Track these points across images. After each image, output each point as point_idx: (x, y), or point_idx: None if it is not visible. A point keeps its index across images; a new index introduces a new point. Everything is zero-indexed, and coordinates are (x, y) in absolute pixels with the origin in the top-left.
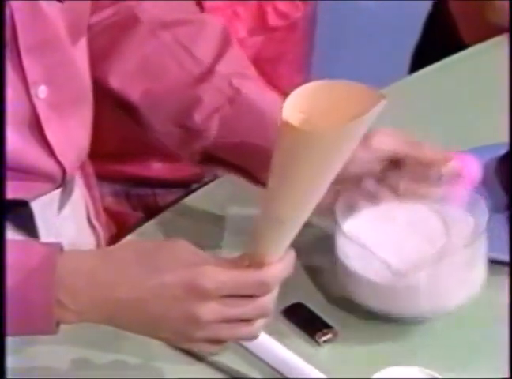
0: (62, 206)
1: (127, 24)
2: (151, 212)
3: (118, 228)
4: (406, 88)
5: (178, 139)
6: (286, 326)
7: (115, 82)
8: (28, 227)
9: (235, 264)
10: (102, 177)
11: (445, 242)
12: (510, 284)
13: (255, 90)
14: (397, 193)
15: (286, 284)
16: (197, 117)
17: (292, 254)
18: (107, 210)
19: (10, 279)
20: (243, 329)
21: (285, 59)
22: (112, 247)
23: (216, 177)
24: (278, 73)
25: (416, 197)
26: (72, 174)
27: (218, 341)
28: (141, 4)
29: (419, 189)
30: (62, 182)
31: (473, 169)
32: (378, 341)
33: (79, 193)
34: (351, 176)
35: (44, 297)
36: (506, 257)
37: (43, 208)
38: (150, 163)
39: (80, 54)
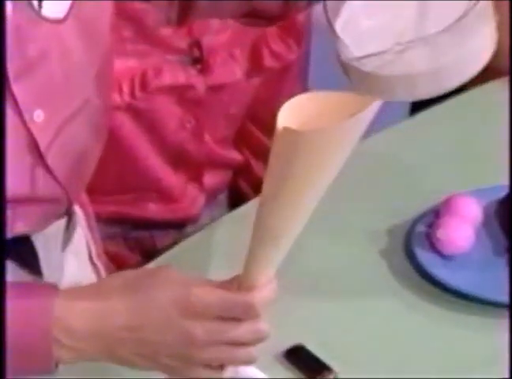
0: (64, 245)
1: None
2: (149, 254)
3: (117, 270)
4: (406, 130)
5: None
6: (286, 369)
7: None
8: (32, 265)
9: (224, 286)
10: (99, 219)
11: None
12: (510, 327)
13: None
14: None
15: (286, 326)
16: None
17: (275, 281)
18: (105, 252)
19: (9, 323)
20: (241, 352)
21: (281, 100)
22: (103, 279)
23: (212, 219)
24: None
25: None
26: (76, 200)
27: (217, 366)
28: None
29: None
30: (69, 208)
31: (474, 211)
32: None
33: (81, 232)
34: None
35: (43, 339)
36: (505, 300)
37: (47, 246)
38: (146, 203)
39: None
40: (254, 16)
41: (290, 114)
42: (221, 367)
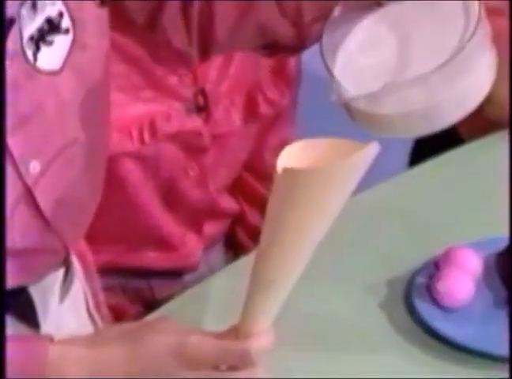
0: (62, 298)
1: None
2: (148, 305)
3: (117, 321)
4: (406, 182)
5: None
6: None
7: None
8: (29, 318)
9: (221, 336)
10: (98, 270)
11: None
12: None
13: None
14: None
15: (283, 377)
16: None
17: (272, 330)
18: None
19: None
20: None
21: (272, 145)
22: (99, 329)
23: (209, 266)
24: (265, 161)
25: None
26: (73, 249)
27: None
28: None
29: None
30: (66, 258)
31: (473, 263)
32: None
33: (79, 284)
34: None
35: None
36: (506, 353)
37: (44, 298)
38: (144, 251)
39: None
40: (272, 47)
41: (289, 159)
42: None
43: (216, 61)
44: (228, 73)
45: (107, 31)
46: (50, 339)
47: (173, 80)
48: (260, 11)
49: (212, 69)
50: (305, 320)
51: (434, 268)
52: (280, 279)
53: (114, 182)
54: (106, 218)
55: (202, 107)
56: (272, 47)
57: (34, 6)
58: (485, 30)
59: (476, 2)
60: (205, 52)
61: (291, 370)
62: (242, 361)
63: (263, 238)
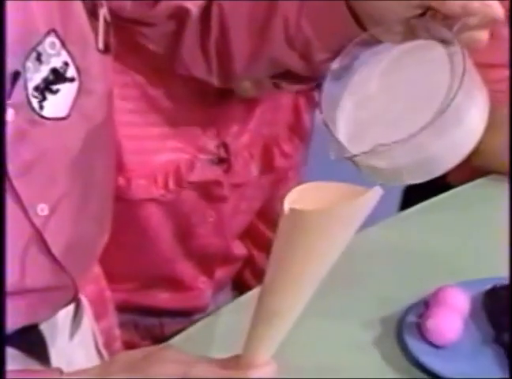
0: (72, 335)
1: None
2: (158, 341)
3: None
4: (397, 224)
5: None
6: None
7: None
8: (40, 354)
9: (224, 365)
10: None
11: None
12: None
13: None
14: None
15: None
16: None
17: (274, 363)
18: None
19: None
20: None
21: (282, 195)
22: (105, 362)
23: (217, 307)
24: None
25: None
26: (83, 286)
27: None
28: None
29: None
30: (75, 295)
31: (461, 302)
32: None
33: (88, 322)
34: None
35: None
36: None
37: (55, 336)
38: (157, 292)
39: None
40: (285, 77)
41: (295, 200)
42: None
43: (237, 115)
44: (248, 128)
45: (110, 75)
46: (60, 371)
47: (198, 133)
48: (271, 45)
49: (233, 123)
50: (297, 357)
51: (424, 306)
52: (282, 312)
53: (134, 224)
54: (123, 257)
55: (224, 159)
56: (287, 77)
57: (39, 58)
58: (473, 79)
59: (460, 52)
60: (226, 80)
61: None
62: None
63: (268, 274)
